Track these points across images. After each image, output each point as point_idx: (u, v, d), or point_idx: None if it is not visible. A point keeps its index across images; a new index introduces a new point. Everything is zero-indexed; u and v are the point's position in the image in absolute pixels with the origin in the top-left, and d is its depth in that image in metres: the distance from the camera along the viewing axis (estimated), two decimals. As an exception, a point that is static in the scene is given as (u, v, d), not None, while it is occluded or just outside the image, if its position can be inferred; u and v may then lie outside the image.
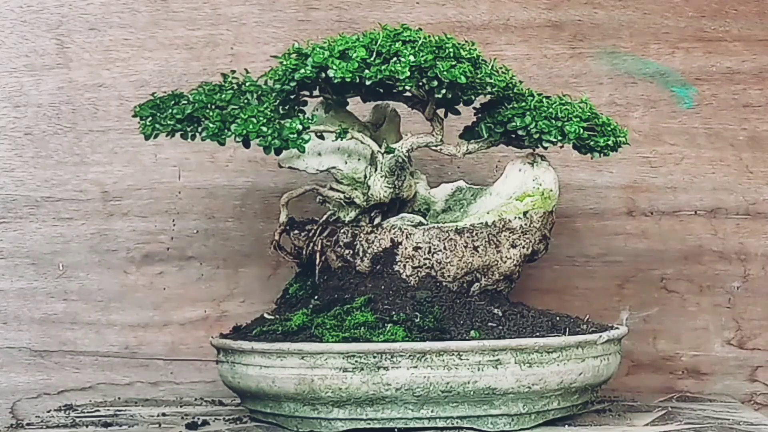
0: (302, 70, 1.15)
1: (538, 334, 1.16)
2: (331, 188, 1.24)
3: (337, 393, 1.12)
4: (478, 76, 1.16)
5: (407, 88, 1.15)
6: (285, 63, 1.16)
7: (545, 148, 1.21)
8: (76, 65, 1.46)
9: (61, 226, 1.46)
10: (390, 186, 1.21)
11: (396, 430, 1.13)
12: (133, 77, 1.46)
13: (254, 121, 1.12)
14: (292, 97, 1.17)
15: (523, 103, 1.20)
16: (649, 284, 1.47)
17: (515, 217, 1.20)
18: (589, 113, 1.21)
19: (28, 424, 1.26)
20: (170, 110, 1.16)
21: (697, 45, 1.48)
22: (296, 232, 1.25)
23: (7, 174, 1.46)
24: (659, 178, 1.47)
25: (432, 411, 1.13)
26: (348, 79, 1.13)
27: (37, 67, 1.46)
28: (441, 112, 1.22)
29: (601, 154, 1.22)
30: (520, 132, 1.20)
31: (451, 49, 1.15)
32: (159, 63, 1.46)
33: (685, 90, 1.48)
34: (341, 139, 1.21)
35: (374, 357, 1.11)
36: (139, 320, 1.46)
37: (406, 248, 1.19)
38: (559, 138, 1.19)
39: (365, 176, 1.22)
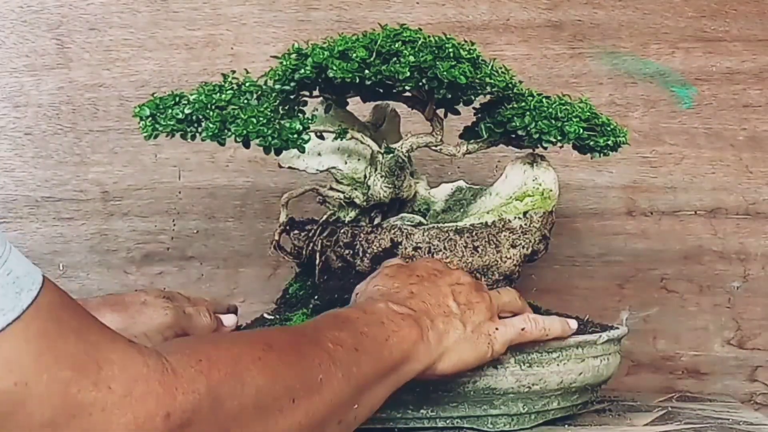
0: (302, 70, 1.14)
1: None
2: (331, 188, 1.24)
3: (337, 393, 1.11)
4: (478, 76, 1.15)
5: (407, 88, 1.14)
6: (285, 63, 1.16)
7: (545, 148, 1.21)
8: (76, 65, 1.46)
9: (61, 226, 1.46)
10: (390, 186, 1.21)
11: (396, 430, 1.13)
12: (133, 77, 1.46)
13: (254, 121, 1.12)
14: (292, 97, 1.17)
15: (523, 103, 1.20)
16: (649, 284, 1.47)
17: (515, 217, 1.20)
18: (589, 113, 1.21)
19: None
20: (170, 110, 1.15)
21: (696, 45, 1.48)
22: (296, 232, 1.25)
23: (7, 174, 1.46)
24: (659, 178, 1.47)
25: (432, 411, 1.13)
26: (348, 79, 1.13)
27: (37, 67, 1.46)
28: (441, 112, 1.22)
29: (601, 154, 1.21)
30: (520, 132, 1.19)
31: (451, 50, 1.14)
32: (159, 63, 1.46)
33: (684, 90, 1.48)
34: (341, 139, 1.20)
35: (374, 357, 1.10)
36: (139, 320, 1.46)
37: (406, 248, 1.18)
38: (559, 138, 1.19)
39: (365, 176, 1.22)
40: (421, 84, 1.14)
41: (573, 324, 1.14)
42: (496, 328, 1.08)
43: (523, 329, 1.10)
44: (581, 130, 1.19)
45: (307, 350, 0.94)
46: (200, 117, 1.14)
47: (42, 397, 0.77)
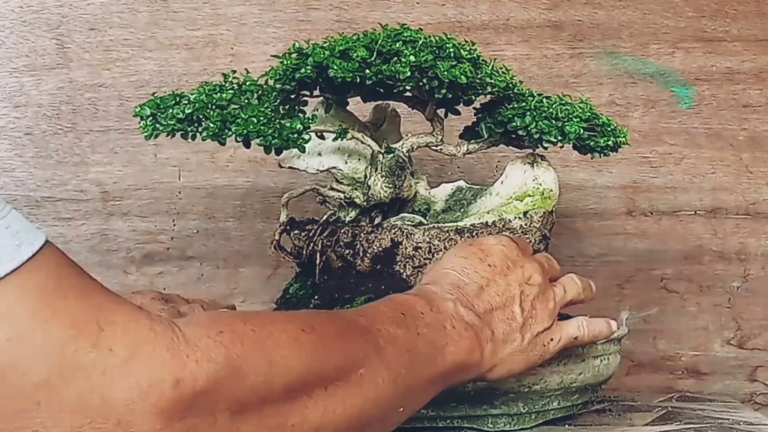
0: (303, 70, 1.14)
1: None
2: (331, 188, 1.24)
3: (338, 393, 1.11)
4: (479, 76, 1.16)
5: (407, 88, 1.14)
6: (285, 63, 1.16)
7: (545, 148, 1.21)
8: (76, 65, 1.46)
9: (61, 226, 1.46)
10: (390, 186, 1.21)
11: (396, 429, 1.13)
12: (133, 77, 1.46)
13: (254, 121, 1.12)
14: (292, 96, 1.17)
15: (524, 103, 1.20)
16: (649, 284, 1.48)
17: (515, 217, 1.20)
18: (589, 113, 1.21)
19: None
20: (170, 110, 1.15)
21: (696, 45, 1.48)
22: (296, 232, 1.25)
23: (7, 174, 1.46)
24: (659, 178, 1.48)
25: (432, 411, 1.13)
26: (348, 79, 1.13)
27: (37, 67, 1.46)
28: (441, 112, 1.22)
29: (601, 155, 1.21)
30: (520, 132, 1.19)
31: (451, 49, 1.14)
32: (159, 63, 1.46)
33: (684, 90, 1.49)
34: (341, 139, 1.20)
35: (374, 357, 1.10)
36: (139, 320, 1.46)
37: (406, 248, 1.19)
38: (559, 138, 1.19)
39: (365, 176, 1.22)
40: (421, 84, 1.14)
41: (614, 325, 1.14)
42: (551, 339, 1.07)
43: (576, 338, 1.10)
44: (581, 130, 1.19)
45: (353, 340, 0.91)
46: (201, 117, 1.14)
47: (36, 356, 0.74)
